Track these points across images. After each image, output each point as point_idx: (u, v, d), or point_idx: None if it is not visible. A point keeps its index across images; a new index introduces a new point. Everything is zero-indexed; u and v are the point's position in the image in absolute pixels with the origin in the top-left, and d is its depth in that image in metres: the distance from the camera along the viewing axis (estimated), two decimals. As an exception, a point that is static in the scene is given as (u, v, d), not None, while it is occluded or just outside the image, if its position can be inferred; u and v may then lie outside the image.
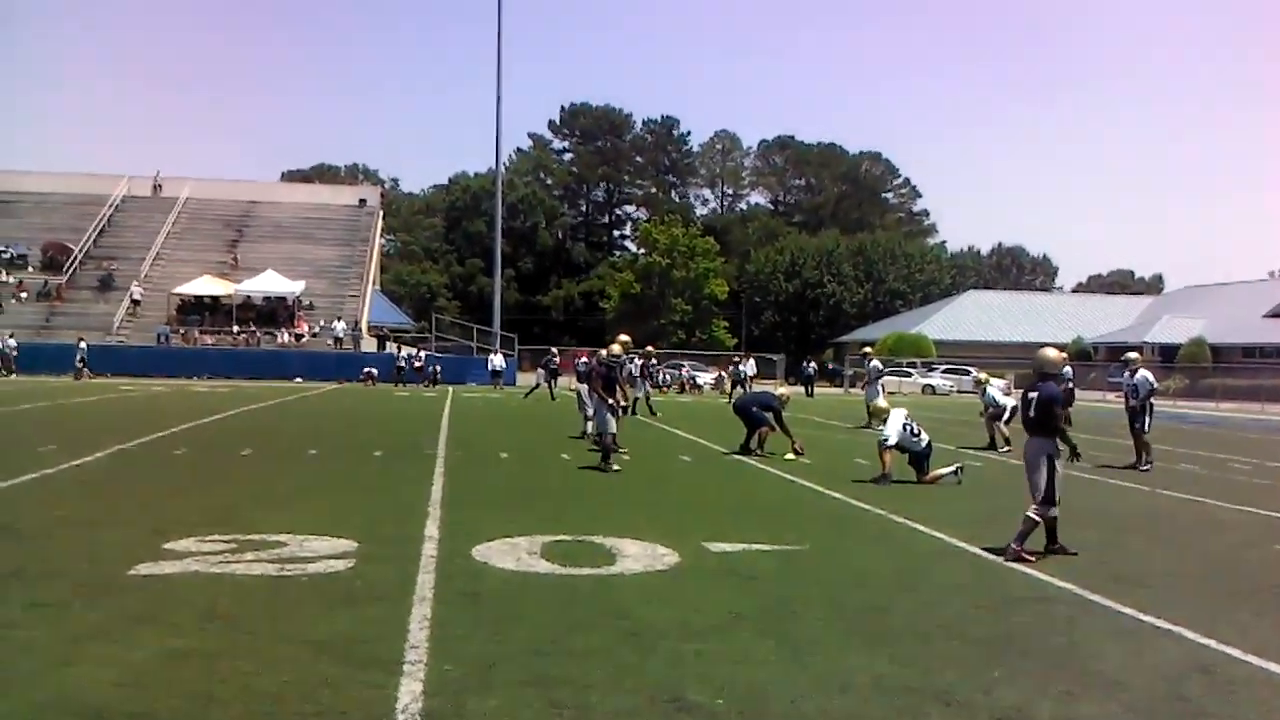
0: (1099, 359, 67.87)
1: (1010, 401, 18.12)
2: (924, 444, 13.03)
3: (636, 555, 7.73)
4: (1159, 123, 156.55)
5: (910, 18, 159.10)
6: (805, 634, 5.79)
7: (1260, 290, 72.63)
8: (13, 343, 40.79)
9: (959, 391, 51.13)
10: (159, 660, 4.99)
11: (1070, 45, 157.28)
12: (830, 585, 7.03)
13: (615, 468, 13.35)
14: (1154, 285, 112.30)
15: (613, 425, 13.75)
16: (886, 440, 12.95)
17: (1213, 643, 5.82)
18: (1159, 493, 13.00)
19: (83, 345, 40.00)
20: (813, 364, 50.24)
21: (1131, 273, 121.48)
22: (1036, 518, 8.09)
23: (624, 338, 15.95)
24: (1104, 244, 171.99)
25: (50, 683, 4.64)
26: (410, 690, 4.65)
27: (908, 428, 13.00)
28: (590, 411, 15.59)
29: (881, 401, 13.62)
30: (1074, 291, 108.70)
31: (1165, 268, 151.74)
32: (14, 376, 38.37)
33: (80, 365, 39.33)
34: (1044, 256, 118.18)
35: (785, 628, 5.91)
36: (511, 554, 7.64)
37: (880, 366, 24.68)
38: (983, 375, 19.99)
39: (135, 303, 47.92)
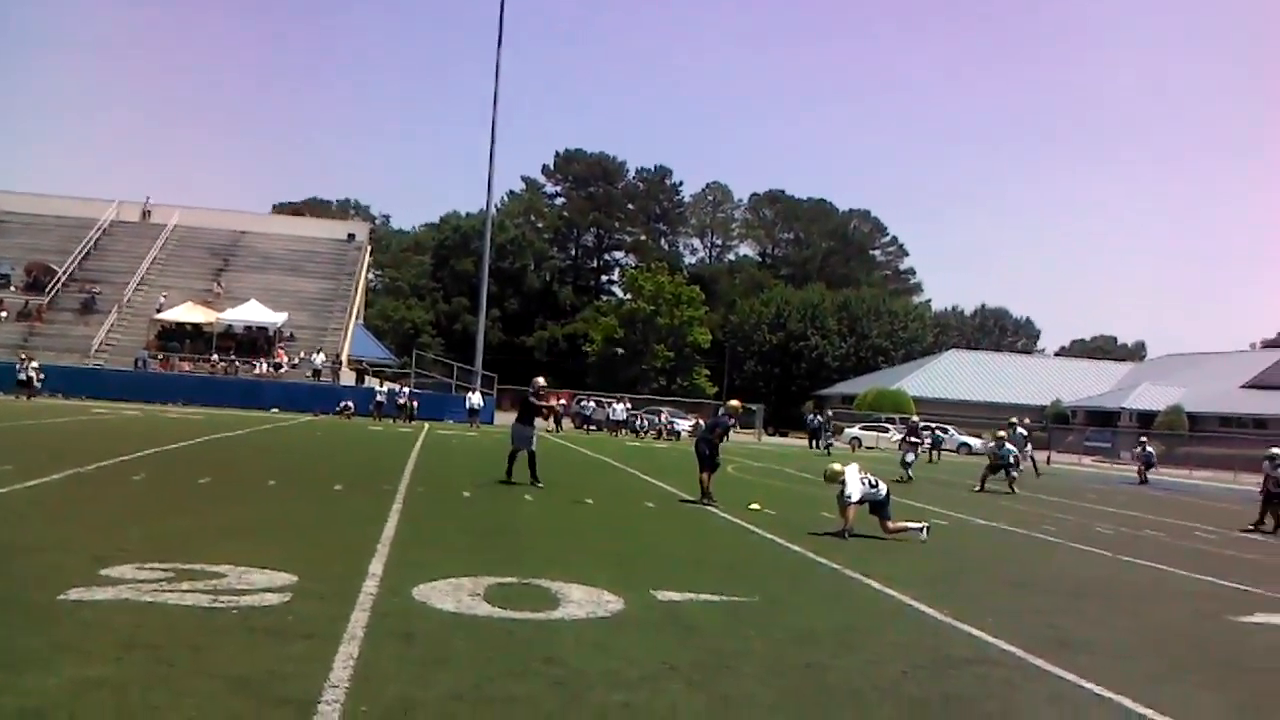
0: (1077, 422, 68.20)
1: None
2: (883, 492, 12.93)
3: (581, 601, 7.60)
4: (1149, 192, 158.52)
5: (900, 85, 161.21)
6: (737, 690, 5.65)
7: (1240, 361, 73.25)
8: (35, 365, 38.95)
9: (946, 449, 51.03)
10: (69, 689, 4.82)
11: (1059, 115, 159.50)
12: (773, 640, 6.90)
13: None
14: (1135, 352, 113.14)
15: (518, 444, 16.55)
16: (850, 497, 12.73)
17: (1152, 713, 5.69)
18: (1120, 559, 12.94)
19: (32, 363, 38.83)
20: (818, 416, 47.56)
21: (1114, 339, 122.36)
22: None
23: (540, 380, 17.41)
24: (1087, 309, 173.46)
25: (-49, 709, 4.49)
26: (321, 731, 4.51)
27: (865, 480, 12.89)
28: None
29: (836, 465, 13.51)
30: (1056, 355, 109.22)
31: (1148, 335, 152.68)
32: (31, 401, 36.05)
33: (28, 382, 37.80)
34: (1027, 319, 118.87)
35: (718, 682, 5.77)
36: (453, 595, 7.49)
37: (1025, 433, 26.13)
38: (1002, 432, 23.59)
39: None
